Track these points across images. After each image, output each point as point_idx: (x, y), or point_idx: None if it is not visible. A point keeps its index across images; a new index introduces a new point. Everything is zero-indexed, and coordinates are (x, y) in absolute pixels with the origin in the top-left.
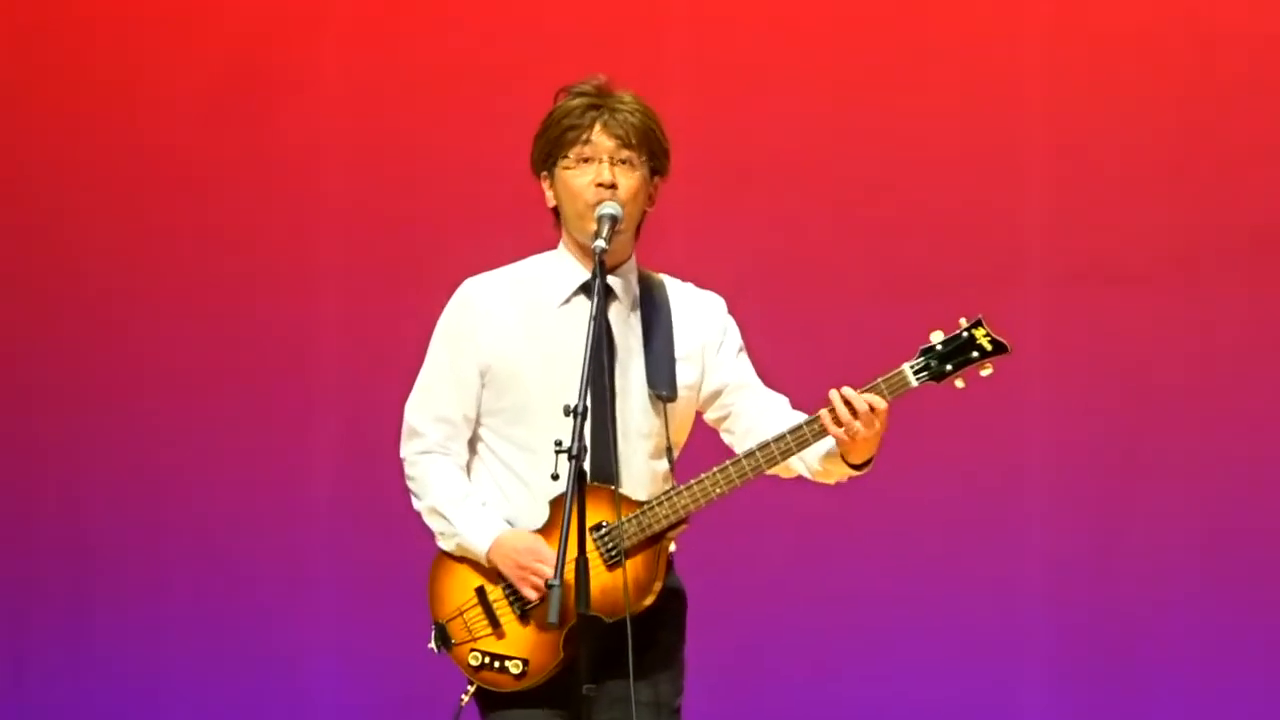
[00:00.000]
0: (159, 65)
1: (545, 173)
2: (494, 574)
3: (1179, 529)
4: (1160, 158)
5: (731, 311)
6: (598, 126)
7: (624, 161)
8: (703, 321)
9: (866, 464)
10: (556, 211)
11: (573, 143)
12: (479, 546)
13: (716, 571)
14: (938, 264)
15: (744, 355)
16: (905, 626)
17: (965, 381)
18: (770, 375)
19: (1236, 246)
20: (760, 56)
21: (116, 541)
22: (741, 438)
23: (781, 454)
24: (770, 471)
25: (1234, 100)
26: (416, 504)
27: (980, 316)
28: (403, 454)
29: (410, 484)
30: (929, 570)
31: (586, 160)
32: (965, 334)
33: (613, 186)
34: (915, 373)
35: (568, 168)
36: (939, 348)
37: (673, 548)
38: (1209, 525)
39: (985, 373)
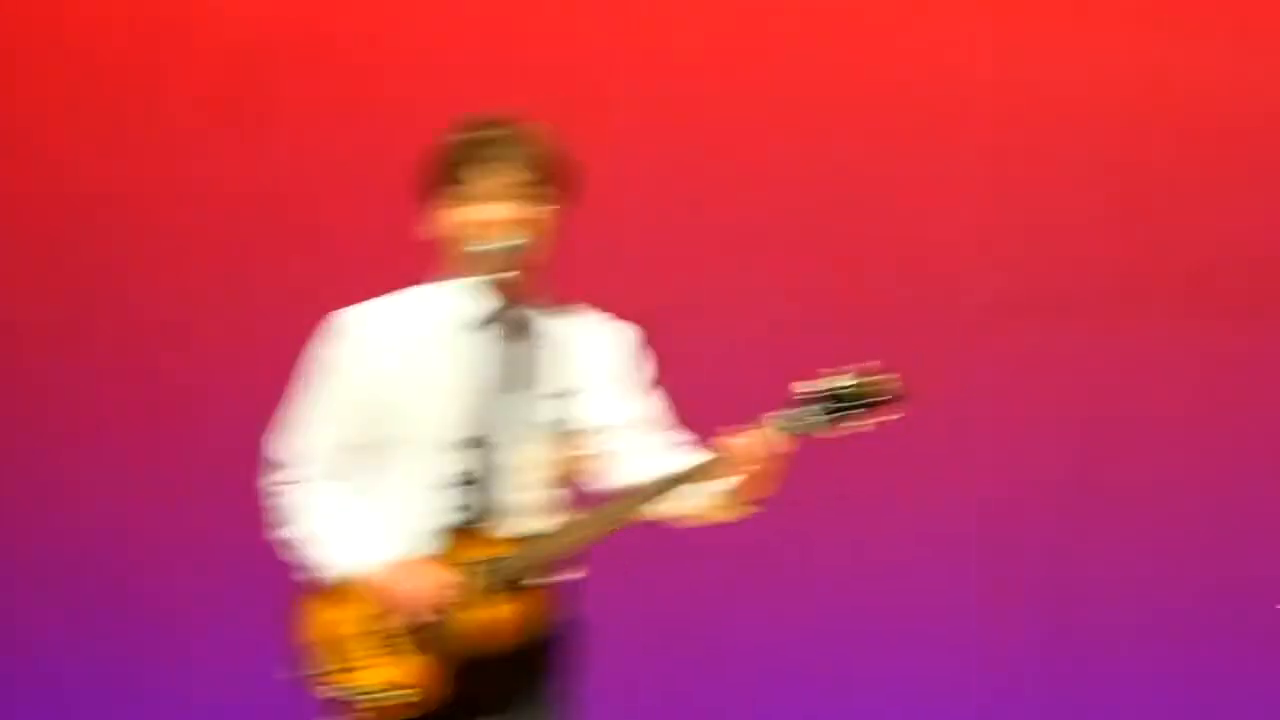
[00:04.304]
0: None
1: (432, 204)
2: (378, 600)
3: (1125, 563)
4: (1102, 191)
5: (649, 343)
6: (493, 159)
7: (520, 196)
8: (607, 352)
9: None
10: (442, 243)
11: (465, 176)
12: (359, 573)
13: (636, 604)
14: (873, 295)
15: (651, 390)
16: (841, 665)
17: (863, 426)
18: (697, 404)
19: (1178, 280)
20: (694, 85)
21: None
22: (635, 474)
23: (657, 492)
24: (663, 515)
25: (1177, 135)
26: (286, 532)
27: (876, 363)
28: (268, 485)
29: (278, 512)
30: (867, 608)
31: (479, 195)
32: (853, 383)
33: (509, 221)
34: (803, 418)
35: (459, 200)
36: (831, 391)
37: (580, 574)
38: (1156, 559)
39: (881, 420)
